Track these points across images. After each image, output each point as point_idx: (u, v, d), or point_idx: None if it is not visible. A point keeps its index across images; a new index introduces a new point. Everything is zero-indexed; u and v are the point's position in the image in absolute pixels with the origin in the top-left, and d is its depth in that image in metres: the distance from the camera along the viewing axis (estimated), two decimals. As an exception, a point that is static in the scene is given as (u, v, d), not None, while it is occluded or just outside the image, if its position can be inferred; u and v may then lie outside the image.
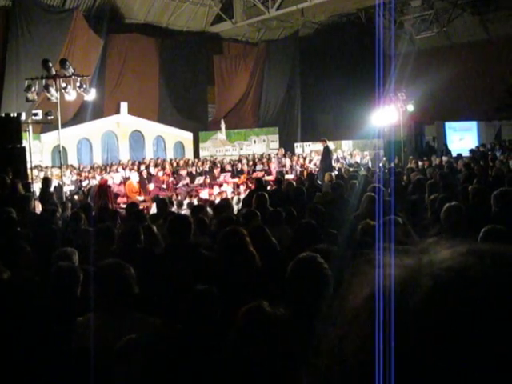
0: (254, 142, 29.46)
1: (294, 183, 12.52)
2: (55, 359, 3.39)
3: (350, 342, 0.73)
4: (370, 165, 21.92)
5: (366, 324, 0.71)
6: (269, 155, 26.00)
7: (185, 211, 12.05)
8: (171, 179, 19.64)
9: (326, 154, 17.98)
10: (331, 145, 18.41)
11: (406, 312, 0.68)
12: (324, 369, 0.77)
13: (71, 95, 13.82)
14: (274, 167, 21.86)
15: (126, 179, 17.71)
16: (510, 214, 5.68)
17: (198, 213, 7.96)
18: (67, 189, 16.88)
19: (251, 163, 23.58)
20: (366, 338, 0.71)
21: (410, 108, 21.34)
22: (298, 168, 21.82)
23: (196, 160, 25.31)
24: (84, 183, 18.70)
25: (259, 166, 22.79)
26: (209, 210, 10.49)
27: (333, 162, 19.43)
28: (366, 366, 0.69)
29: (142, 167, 20.86)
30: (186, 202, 15.47)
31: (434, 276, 0.69)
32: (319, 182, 13.91)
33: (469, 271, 0.68)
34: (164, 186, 18.92)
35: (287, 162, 22.61)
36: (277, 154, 23.87)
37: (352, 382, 0.71)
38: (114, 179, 17.44)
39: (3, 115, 13.09)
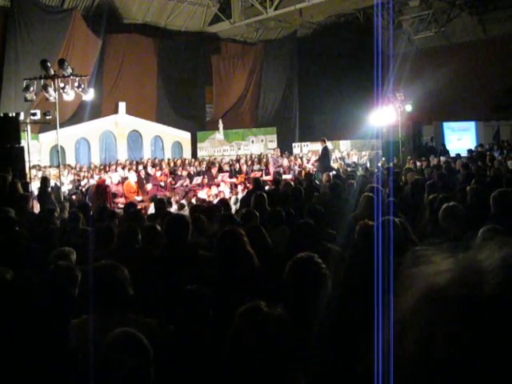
0: (252, 141, 29.46)
1: (292, 183, 12.53)
2: (51, 360, 3.39)
3: (409, 337, 0.74)
4: (367, 165, 21.94)
5: (426, 319, 0.72)
6: (266, 155, 26.03)
7: (186, 212, 12.05)
8: (169, 179, 19.65)
9: (324, 154, 17.99)
10: (329, 145, 18.41)
11: (471, 306, 0.68)
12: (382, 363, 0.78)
13: (69, 95, 13.82)
14: (271, 167, 21.87)
15: (124, 179, 17.69)
16: (508, 214, 5.69)
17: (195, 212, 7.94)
18: (65, 188, 16.87)
19: (249, 163, 23.59)
20: (424, 333, 0.72)
21: (408, 108, 21.38)
22: (296, 168, 21.82)
23: (193, 160, 25.31)
24: (82, 183, 18.69)
25: (257, 166, 22.80)
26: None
27: (331, 162, 19.42)
28: (428, 361, 0.70)
29: (140, 167, 20.86)
30: (183, 201, 15.48)
31: (498, 272, 0.70)
32: (317, 182, 13.91)
33: None
34: (162, 183, 18.92)
35: (284, 162, 22.60)
36: (272, 155, 23.87)
37: (413, 377, 0.72)
38: (111, 179, 17.42)
39: (2, 115, 13.08)
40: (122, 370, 2.38)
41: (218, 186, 19.01)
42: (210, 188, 18.68)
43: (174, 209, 13.63)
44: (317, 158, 20.27)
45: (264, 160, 24.08)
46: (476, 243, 0.79)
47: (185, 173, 20.43)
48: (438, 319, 0.71)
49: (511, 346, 0.65)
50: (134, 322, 3.46)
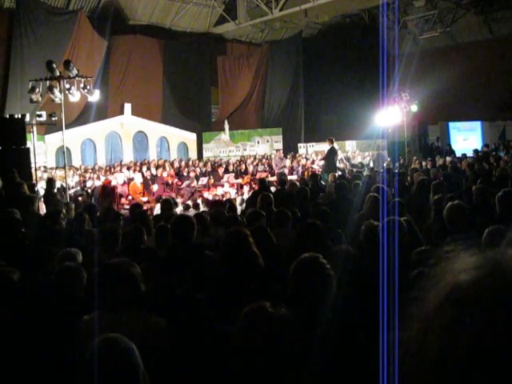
0: (258, 142, 29.47)
1: (298, 184, 12.53)
2: (57, 360, 3.40)
3: (432, 337, 0.73)
4: (371, 165, 21.92)
5: (450, 319, 0.71)
6: (271, 155, 26.04)
7: (191, 212, 12.05)
8: (175, 180, 19.67)
9: (330, 154, 17.94)
10: (335, 145, 18.39)
11: (499, 306, 0.67)
12: (404, 360, 0.77)
13: (75, 96, 13.85)
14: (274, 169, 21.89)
15: (129, 180, 17.72)
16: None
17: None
18: (71, 190, 16.90)
19: (255, 164, 23.59)
20: (449, 331, 0.71)
21: (414, 108, 21.35)
22: (300, 169, 21.81)
23: (197, 161, 25.34)
24: (88, 184, 18.73)
25: (262, 167, 22.80)
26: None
27: (337, 162, 19.39)
28: (451, 362, 0.69)
29: (146, 168, 20.89)
30: (189, 202, 15.49)
31: None
32: (322, 183, 13.90)
33: None
34: (169, 181, 18.95)
35: (287, 162, 22.61)
36: (274, 157, 23.81)
37: (432, 373, 0.71)
38: (117, 180, 17.46)
39: (8, 116, 13.12)
40: (104, 378, 2.36)
41: (222, 186, 19.03)
42: (215, 188, 18.70)
43: (179, 209, 13.65)
44: (322, 157, 20.24)
45: (269, 161, 24.09)
46: (506, 240, 0.78)
47: (192, 174, 20.41)
48: (463, 319, 0.70)
49: None
50: (143, 320, 3.48)
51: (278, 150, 25.49)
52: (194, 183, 19.48)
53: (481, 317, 0.68)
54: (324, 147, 21.82)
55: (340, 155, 21.86)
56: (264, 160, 24.50)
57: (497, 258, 0.74)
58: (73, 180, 18.48)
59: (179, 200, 17.12)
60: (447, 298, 0.74)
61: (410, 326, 0.79)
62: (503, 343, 0.66)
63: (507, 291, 0.68)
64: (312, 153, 25.94)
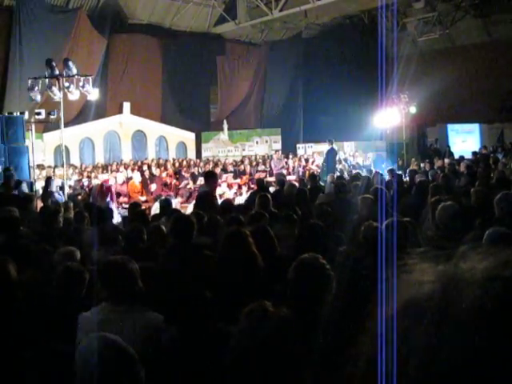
0: (257, 142, 29.48)
1: (297, 184, 12.52)
2: (57, 359, 3.40)
3: (389, 350, 0.73)
4: (372, 166, 21.93)
5: (403, 332, 0.71)
6: (271, 156, 26.06)
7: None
8: (174, 180, 19.66)
9: (330, 154, 17.94)
10: (334, 146, 18.40)
11: (448, 320, 0.68)
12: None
13: (74, 95, 13.83)
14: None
15: (128, 179, 17.71)
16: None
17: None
18: (69, 188, 16.88)
19: (254, 164, 23.59)
20: (403, 347, 0.71)
21: (413, 110, 21.37)
22: (300, 169, 21.81)
23: (198, 160, 25.33)
24: (86, 183, 18.70)
25: (261, 167, 22.80)
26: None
27: (336, 163, 19.39)
28: (407, 375, 0.70)
29: (145, 167, 20.88)
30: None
31: (480, 285, 0.69)
32: (321, 183, 13.90)
33: None
34: (168, 182, 18.94)
35: (290, 163, 22.62)
36: (273, 158, 23.83)
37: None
38: (116, 179, 17.45)
39: (6, 114, 13.11)
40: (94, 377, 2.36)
41: (219, 186, 19.02)
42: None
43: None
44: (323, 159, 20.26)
45: (268, 161, 24.09)
46: (459, 253, 0.78)
47: (186, 174, 20.37)
48: (415, 333, 0.70)
49: (488, 361, 0.64)
50: (141, 316, 3.49)
51: (276, 151, 25.49)
52: (190, 184, 19.44)
53: (431, 331, 0.69)
54: (323, 148, 21.84)
55: (338, 156, 21.88)
56: (266, 160, 24.48)
57: (450, 273, 0.75)
58: (71, 179, 18.45)
59: (178, 200, 17.14)
60: (401, 311, 0.75)
61: (363, 340, 0.80)
62: (452, 358, 0.66)
63: (456, 305, 0.69)
64: (313, 153, 25.92)
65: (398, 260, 0.87)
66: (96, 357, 2.39)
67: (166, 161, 23.90)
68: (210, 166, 22.81)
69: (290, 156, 24.32)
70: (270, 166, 22.51)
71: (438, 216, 5.80)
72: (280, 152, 24.74)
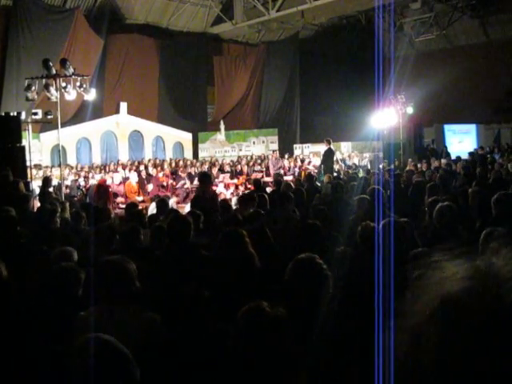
0: (253, 143, 29.49)
1: (293, 184, 12.53)
2: (53, 361, 3.40)
3: (425, 347, 0.72)
4: (368, 167, 21.94)
5: (443, 329, 0.71)
6: (267, 156, 26.08)
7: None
8: (170, 180, 19.64)
9: (328, 155, 17.93)
10: (332, 146, 18.40)
11: (495, 315, 0.67)
12: (399, 363, 0.76)
13: (71, 95, 13.80)
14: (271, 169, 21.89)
15: (125, 179, 17.69)
16: (509, 217, 5.69)
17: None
18: (66, 188, 16.86)
19: (250, 164, 23.59)
20: (442, 337, 0.70)
21: (410, 110, 21.38)
22: (297, 170, 21.81)
23: (194, 161, 25.33)
24: (83, 183, 18.68)
25: (258, 167, 22.80)
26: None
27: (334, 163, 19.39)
28: (445, 371, 0.69)
29: (141, 167, 20.86)
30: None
31: None
32: (318, 184, 13.91)
33: None
34: (164, 183, 18.91)
35: (285, 163, 22.62)
36: (271, 157, 23.85)
37: (426, 376, 0.70)
38: (113, 179, 17.43)
39: (3, 114, 13.09)
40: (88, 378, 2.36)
41: (217, 186, 19.01)
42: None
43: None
44: (320, 160, 20.27)
45: (265, 161, 24.10)
46: (491, 249, 0.78)
47: (183, 174, 20.34)
48: (457, 329, 0.70)
49: None
50: (138, 316, 3.50)
51: (274, 151, 25.48)
52: (187, 184, 19.43)
53: (475, 329, 0.68)
54: (320, 148, 21.84)
55: (335, 156, 21.88)
56: (259, 161, 24.52)
57: (486, 269, 0.74)
58: (68, 179, 18.43)
59: (174, 199, 17.12)
60: (438, 309, 0.74)
61: (400, 338, 0.79)
62: (498, 354, 0.65)
63: (500, 302, 0.68)
64: (310, 153, 25.94)
65: (427, 257, 0.86)
66: (90, 357, 2.39)
67: (163, 161, 23.88)
68: (206, 167, 22.81)
69: (286, 156, 24.33)
70: (267, 166, 22.51)
71: (436, 216, 5.82)
72: (277, 152, 24.73)
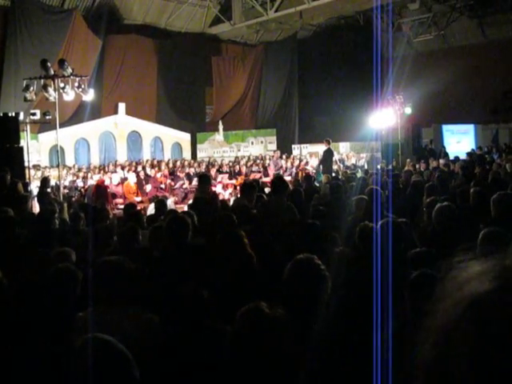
0: (252, 143, 29.49)
1: (291, 185, 12.53)
2: (52, 362, 3.40)
3: (456, 341, 0.72)
4: (365, 167, 21.95)
5: (477, 330, 0.69)
6: (265, 157, 26.11)
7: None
8: (169, 180, 19.64)
9: (327, 155, 17.93)
10: (331, 146, 18.41)
11: None
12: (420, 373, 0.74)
13: (69, 95, 13.81)
14: (271, 170, 21.89)
15: (123, 180, 17.70)
16: (508, 217, 5.69)
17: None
18: (64, 189, 16.85)
19: (249, 164, 23.59)
20: (474, 338, 0.68)
21: (408, 110, 21.40)
22: (294, 170, 21.82)
23: (192, 161, 25.32)
24: (81, 183, 18.67)
25: (256, 168, 22.80)
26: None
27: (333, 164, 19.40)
28: (484, 375, 0.68)
29: (140, 168, 20.85)
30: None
31: None
32: (317, 184, 13.91)
33: None
34: (162, 186, 18.92)
35: (283, 163, 22.62)
36: (272, 157, 23.88)
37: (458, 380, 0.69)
38: (112, 180, 17.43)
39: (1, 115, 13.07)
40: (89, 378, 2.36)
41: (215, 186, 19.01)
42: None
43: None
44: (319, 161, 20.29)
45: (263, 162, 24.11)
46: (511, 248, 0.76)
47: (181, 174, 20.34)
48: (489, 330, 0.67)
49: None
50: (137, 317, 3.50)
51: (275, 151, 25.44)
52: (186, 184, 19.44)
53: (508, 329, 0.66)
54: (318, 148, 21.87)
55: (335, 157, 21.89)
56: (258, 161, 24.52)
57: (509, 266, 0.73)
58: (66, 179, 18.42)
59: (173, 199, 17.13)
60: (466, 312, 0.72)
61: (423, 341, 0.77)
62: None
63: None
64: (308, 153, 25.94)
65: (451, 256, 0.85)
66: (90, 358, 2.39)
67: (160, 162, 23.83)
68: (203, 167, 22.84)
69: (284, 156, 24.34)
70: (265, 166, 22.51)
71: (435, 216, 5.82)
72: (279, 152, 24.74)
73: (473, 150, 23.82)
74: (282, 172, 21.13)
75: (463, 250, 0.85)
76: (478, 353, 0.67)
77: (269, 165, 22.71)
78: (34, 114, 15.14)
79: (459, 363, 0.69)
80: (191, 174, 20.86)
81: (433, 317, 0.76)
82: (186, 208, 14.94)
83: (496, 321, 0.67)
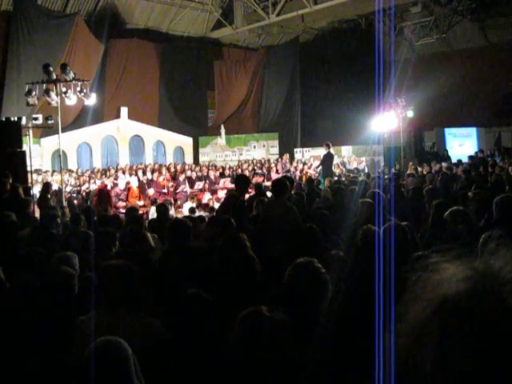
0: (254, 147, 29.50)
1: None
2: (53, 362, 3.39)
3: (424, 349, 0.71)
4: (366, 170, 21.96)
5: (443, 331, 0.69)
6: (268, 160, 26.11)
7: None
8: (171, 184, 19.65)
9: (327, 159, 17.95)
10: (331, 150, 18.43)
11: (496, 317, 0.66)
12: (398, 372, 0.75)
13: (72, 100, 13.82)
14: (277, 171, 21.88)
15: (126, 184, 17.72)
16: (511, 220, 5.67)
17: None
18: (66, 193, 16.87)
19: (251, 168, 23.60)
20: (441, 340, 0.69)
21: (410, 114, 21.40)
22: (298, 173, 21.82)
23: (193, 165, 25.34)
24: (83, 187, 18.69)
25: (259, 171, 22.81)
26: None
27: (333, 167, 19.41)
28: (445, 374, 0.67)
29: (140, 172, 20.86)
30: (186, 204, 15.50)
31: None
32: (320, 188, 13.91)
33: None
34: (165, 190, 18.93)
35: (290, 167, 22.66)
36: (281, 159, 23.91)
37: (426, 380, 0.69)
38: (118, 185, 17.48)
39: (4, 119, 13.09)
40: (100, 380, 2.36)
41: (215, 192, 19.06)
42: (212, 194, 18.71)
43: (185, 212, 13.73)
44: (319, 163, 20.30)
45: (266, 165, 24.12)
46: (488, 250, 0.77)
47: (181, 178, 20.33)
48: (457, 331, 0.69)
49: None
50: (140, 321, 3.49)
51: (285, 154, 25.43)
52: (187, 188, 19.45)
53: (476, 331, 0.67)
54: (320, 152, 21.85)
55: (336, 160, 21.90)
56: (260, 164, 24.53)
57: (484, 270, 0.73)
58: (69, 183, 18.43)
59: (174, 204, 17.13)
60: (436, 312, 0.73)
61: (398, 342, 0.78)
62: (498, 355, 0.64)
63: (502, 304, 0.67)
64: (310, 157, 25.95)
65: (424, 258, 0.85)
66: (92, 358, 2.39)
67: (161, 166, 23.80)
68: (205, 171, 22.87)
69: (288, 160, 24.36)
70: (269, 170, 22.50)
71: (450, 220, 5.73)
72: (288, 155, 24.72)
73: (475, 153, 23.81)
74: (289, 175, 21.12)
75: (439, 251, 0.85)
76: (440, 355, 0.68)
77: (272, 168, 22.72)
78: (36, 119, 15.15)
79: (424, 364, 0.70)
80: (193, 178, 20.87)
81: (404, 318, 0.76)
82: (185, 211, 15.02)
83: (461, 324, 0.68)
